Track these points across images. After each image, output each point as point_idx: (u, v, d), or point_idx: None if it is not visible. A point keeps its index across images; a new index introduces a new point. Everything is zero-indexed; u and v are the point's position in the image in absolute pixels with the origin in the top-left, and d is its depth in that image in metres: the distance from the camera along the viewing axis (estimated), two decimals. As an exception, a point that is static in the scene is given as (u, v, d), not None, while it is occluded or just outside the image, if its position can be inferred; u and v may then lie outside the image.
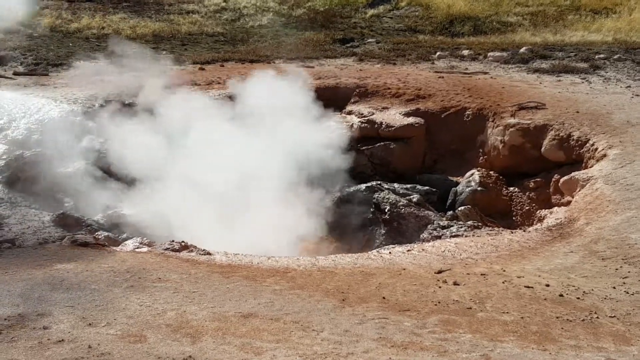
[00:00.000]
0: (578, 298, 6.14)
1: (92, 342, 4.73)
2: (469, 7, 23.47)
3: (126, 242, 8.26)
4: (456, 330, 5.26)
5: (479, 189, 11.31)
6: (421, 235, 9.80)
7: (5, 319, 5.10)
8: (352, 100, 14.38)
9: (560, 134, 11.35)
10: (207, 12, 24.53)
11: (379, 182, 11.51)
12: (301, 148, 11.50)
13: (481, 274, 6.86)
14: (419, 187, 11.60)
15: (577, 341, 5.12)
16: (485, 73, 15.97)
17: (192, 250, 7.81)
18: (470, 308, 5.84)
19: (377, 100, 14.19)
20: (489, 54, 17.86)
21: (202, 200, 10.27)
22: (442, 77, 15.15)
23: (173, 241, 7.99)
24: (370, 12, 24.48)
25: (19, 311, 5.30)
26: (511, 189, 11.58)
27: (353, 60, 18.17)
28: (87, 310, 5.39)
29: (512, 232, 9.22)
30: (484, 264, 7.40)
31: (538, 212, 10.82)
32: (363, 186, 11.42)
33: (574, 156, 11.06)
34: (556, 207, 10.37)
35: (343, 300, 6.00)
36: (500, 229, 9.85)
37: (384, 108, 13.73)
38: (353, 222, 10.97)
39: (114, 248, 7.90)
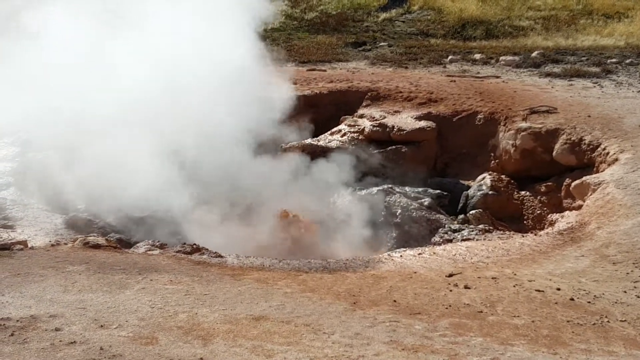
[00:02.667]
0: (589, 302, 6.13)
1: (104, 343, 4.76)
2: (481, 11, 23.38)
3: (138, 244, 8.31)
4: (467, 334, 5.27)
5: (490, 192, 11.28)
6: (432, 239, 9.83)
7: (17, 321, 5.13)
8: (364, 103, 14.36)
9: (572, 138, 11.31)
10: (219, 16, 24.53)
11: (390, 186, 11.50)
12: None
13: (492, 278, 6.86)
14: (430, 190, 11.60)
15: (588, 345, 5.11)
16: (497, 77, 15.94)
17: (203, 253, 7.86)
18: (481, 311, 5.84)
19: (389, 103, 14.15)
20: (501, 58, 17.80)
21: None
22: (454, 81, 15.12)
23: (185, 244, 8.05)
24: (383, 15, 24.40)
25: (31, 313, 5.33)
26: (522, 192, 11.54)
27: (365, 63, 18.18)
28: (99, 312, 5.42)
29: (523, 236, 9.21)
30: (495, 267, 7.40)
31: (549, 216, 10.79)
32: (375, 189, 11.41)
33: (585, 160, 11.01)
34: (567, 211, 10.35)
35: (354, 303, 6.01)
36: (512, 232, 9.85)
37: (395, 112, 13.70)
38: (364, 225, 10.96)
39: (126, 250, 7.95)
